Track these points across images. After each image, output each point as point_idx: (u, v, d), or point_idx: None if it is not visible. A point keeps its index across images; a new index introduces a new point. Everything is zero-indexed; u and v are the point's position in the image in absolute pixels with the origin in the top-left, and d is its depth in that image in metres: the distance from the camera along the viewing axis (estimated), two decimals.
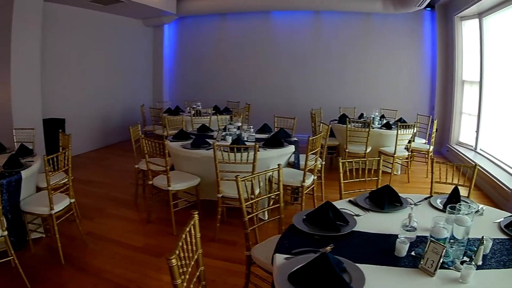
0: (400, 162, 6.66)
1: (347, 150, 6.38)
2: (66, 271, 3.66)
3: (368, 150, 6.29)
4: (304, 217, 2.38)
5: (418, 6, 7.76)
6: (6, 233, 3.24)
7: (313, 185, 4.78)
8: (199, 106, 8.36)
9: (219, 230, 4.23)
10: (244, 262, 3.00)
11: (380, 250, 2.00)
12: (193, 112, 7.93)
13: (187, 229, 1.91)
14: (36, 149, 5.01)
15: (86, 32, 8.59)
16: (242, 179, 2.78)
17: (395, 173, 6.55)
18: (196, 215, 2.04)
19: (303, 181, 4.47)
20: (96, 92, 9.09)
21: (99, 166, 7.67)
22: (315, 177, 4.84)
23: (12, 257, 3.30)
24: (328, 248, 1.96)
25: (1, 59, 6.17)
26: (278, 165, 3.07)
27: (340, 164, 3.20)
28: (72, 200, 4.05)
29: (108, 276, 3.55)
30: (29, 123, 5.88)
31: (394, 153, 6.17)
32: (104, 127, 9.48)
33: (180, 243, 1.77)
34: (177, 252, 1.68)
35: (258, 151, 4.14)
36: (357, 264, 1.80)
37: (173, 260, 1.61)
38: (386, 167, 6.19)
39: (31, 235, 4.01)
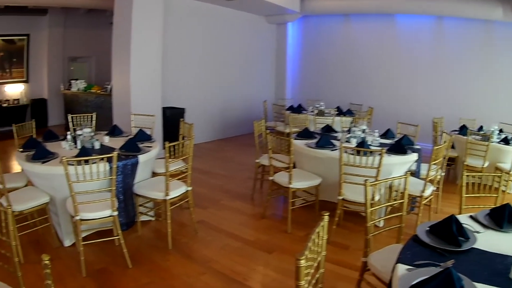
0: None
1: (465, 163, 5.97)
2: (171, 256, 3.62)
3: (485, 165, 5.87)
4: (428, 228, 2.33)
5: None
6: (116, 213, 3.28)
7: (432, 196, 4.48)
8: (322, 106, 8.03)
9: (334, 233, 3.99)
10: (355, 268, 2.97)
11: (495, 270, 1.93)
12: (316, 111, 7.69)
13: (317, 230, 1.84)
14: (154, 135, 5.08)
15: (209, 25, 8.78)
16: (370, 184, 2.66)
17: (508, 191, 5.92)
18: (327, 216, 1.96)
19: (423, 191, 4.18)
20: (217, 85, 9.26)
21: (216, 158, 7.72)
22: (434, 188, 4.56)
23: (118, 237, 3.34)
24: (449, 263, 1.91)
25: (122, 48, 6.49)
26: (406, 173, 2.96)
27: (464, 177, 3.05)
28: (189, 188, 4.00)
29: (215, 266, 3.49)
30: (148, 110, 6.06)
31: (510, 170, 5.68)
32: (224, 120, 9.62)
33: (309, 244, 1.70)
34: (306, 253, 1.61)
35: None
36: (474, 283, 1.75)
37: (302, 261, 1.55)
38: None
39: (140, 218, 4.04)
